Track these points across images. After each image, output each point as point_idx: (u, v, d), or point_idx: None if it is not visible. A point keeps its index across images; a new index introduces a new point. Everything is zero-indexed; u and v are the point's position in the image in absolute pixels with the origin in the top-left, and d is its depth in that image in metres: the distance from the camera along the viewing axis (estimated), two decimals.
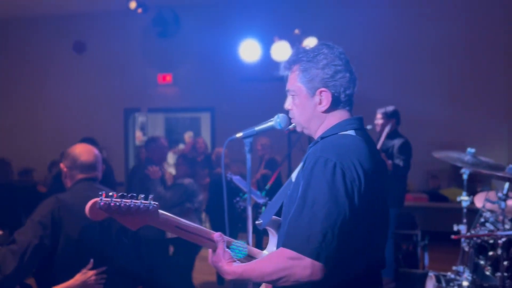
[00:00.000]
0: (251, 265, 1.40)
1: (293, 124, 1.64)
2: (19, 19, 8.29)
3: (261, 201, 3.28)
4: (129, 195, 1.26)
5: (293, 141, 4.63)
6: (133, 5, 6.48)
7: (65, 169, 2.36)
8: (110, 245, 2.33)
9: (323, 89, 1.48)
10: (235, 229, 4.37)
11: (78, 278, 2.16)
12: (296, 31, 5.18)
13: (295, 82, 1.53)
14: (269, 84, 6.52)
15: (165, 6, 7.18)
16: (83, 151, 2.34)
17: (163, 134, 10.90)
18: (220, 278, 5.19)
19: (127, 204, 1.24)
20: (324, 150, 1.39)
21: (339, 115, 1.52)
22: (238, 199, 3.89)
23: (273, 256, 1.36)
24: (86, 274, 2.16)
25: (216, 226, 4.92)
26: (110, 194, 1.23)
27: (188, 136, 10.00)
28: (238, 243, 2.25)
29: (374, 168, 1.40)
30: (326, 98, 1.49)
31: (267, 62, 5.65)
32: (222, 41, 7.06)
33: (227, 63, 7.16)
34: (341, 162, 1.34)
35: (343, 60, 1.50)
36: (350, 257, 1.35)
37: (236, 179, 3.53)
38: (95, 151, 2.40)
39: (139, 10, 6.60)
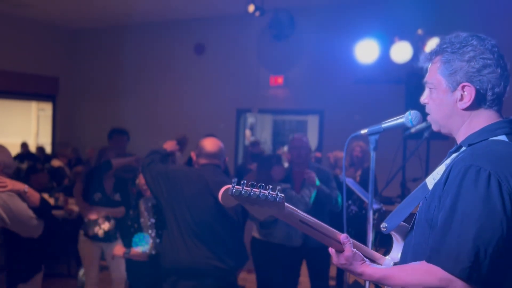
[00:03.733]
0: (389, 272, 1.33)
1: (419, 126, 1.50)
2: (148, 23, 9.11)
3: (376, 206, 3.14)
4: (258, 184, 1.27)
5: (410, 148, 4.35)
6: (251, 8, 6.66)
7: (194, 157, 2.90)
8: (217, 216, 2.74)
9: (466, 83, 1.33)
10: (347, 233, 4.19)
11: None
12: (419, 31, 4.86)
13: (435, 74, 1.40)
14: (385, 86, 6.24)
15: (281, 9, 7.28)
16: (208, 143, 2.87)
17: (271, 135, 11.12)
18: (339, 282, 5.03)
19: (257, 193, 1.25)
20: (475, 157, 1.24)
21: (486, 116, 1.35)
22: (350, 202, 3.75)
23: (417, 269, 1.27)
24: None
25: None
26: (242, 182, 1.26)
27: None
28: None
29: None
30: (468, 94, 1.33)
31: (385, 63, 5.40)
32: (336, 42, 6.93)
33: (341, 65, 7.01)
34: (497, 172, 1.19)
35: (495, 54, 1.33)
36: (506, 283, 1.20)
37: (349, 181, 3.42)
38: (219, 143, 2.91)
39: (257, 14, 6.76)
